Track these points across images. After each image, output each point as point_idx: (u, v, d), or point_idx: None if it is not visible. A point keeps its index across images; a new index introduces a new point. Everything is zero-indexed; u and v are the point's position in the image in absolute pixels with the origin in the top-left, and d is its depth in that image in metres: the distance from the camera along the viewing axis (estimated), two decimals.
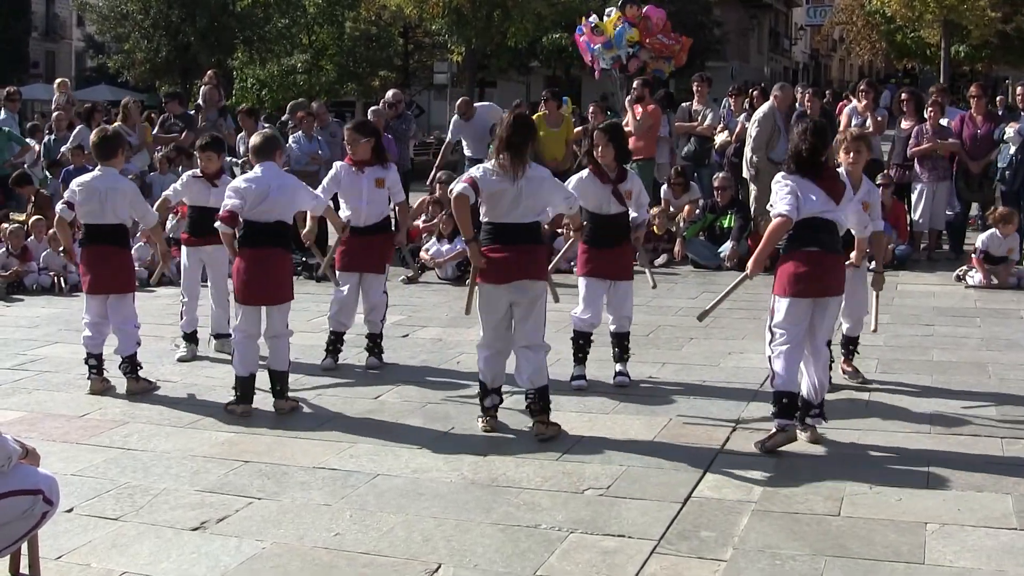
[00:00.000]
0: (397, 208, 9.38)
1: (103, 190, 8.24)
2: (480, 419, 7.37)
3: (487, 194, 7.09)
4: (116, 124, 15.78)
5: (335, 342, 9.21)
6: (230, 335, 9.73)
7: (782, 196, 6.71)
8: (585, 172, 8.35)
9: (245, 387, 7.83)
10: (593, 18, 21.66)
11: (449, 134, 17.52)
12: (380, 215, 9.18)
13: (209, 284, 9.68)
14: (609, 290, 8.46)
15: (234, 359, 7.92)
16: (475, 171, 7.21)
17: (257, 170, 7.93)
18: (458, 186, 7.14)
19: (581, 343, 8.52)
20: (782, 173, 6.84)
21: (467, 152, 16.87)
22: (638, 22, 20.85)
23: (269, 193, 7.81)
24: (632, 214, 8.41)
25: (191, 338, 9.63)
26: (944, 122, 14.62)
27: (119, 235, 8.41)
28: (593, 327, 8.52)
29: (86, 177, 8.41)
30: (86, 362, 8.43)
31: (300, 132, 15.60)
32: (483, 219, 7.26)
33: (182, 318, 9.64)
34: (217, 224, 7.86)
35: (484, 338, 7.34)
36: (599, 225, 8.28)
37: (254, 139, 8.20)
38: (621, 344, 8.59)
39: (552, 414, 7.18)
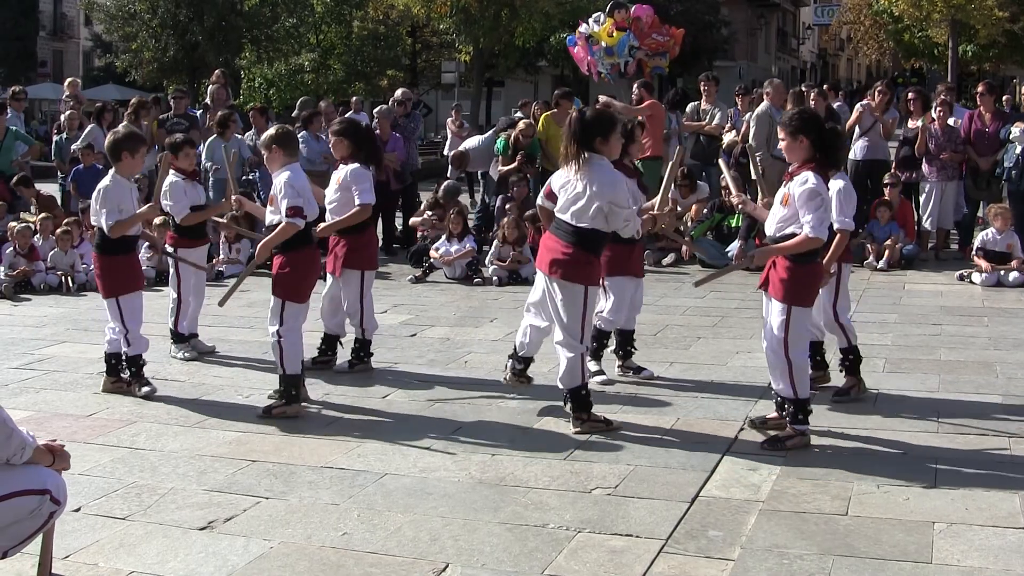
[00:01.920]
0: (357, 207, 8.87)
1: (97, 192, 8.17)
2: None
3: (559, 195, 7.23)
4: (123, 124, 15.82)
5: (322, 343, 9.16)
6: (196, 334, 9.71)
7: (823, 215, 6.62)
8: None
9: (299, 384, 7.82)
10: (584, 27, 21.70)
11: (449, 172, 17.72)
12: (338, 215, 8.86)
13: (193, 285, 9.64)
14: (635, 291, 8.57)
15: (285, 359, 7.74)
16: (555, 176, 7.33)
17: (295, 167, 7.96)
18: (539, 199, 7.55)
19: (604, 341, 8.58)
20: (819, 181, 6.65)
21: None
22: (629, 25, 20.92)
23: (312, 193, 8.01)
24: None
25: (184, 338, 9.59)
26: (952, 122, 14.61)
27: (120, 238, 8.22)
28: (620, 324, 8.57)
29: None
30: (108, 361, 8.40)
31: (307, 131, 15.59)
32: None
33: (180, 321, 9.55)
34: (294, 220, 7.71)
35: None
36: None
37: (275, 130, 8.11)
38: (630, 340, 8.62)
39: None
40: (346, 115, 15.03)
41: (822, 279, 7.07)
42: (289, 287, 7.83)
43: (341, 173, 8.80)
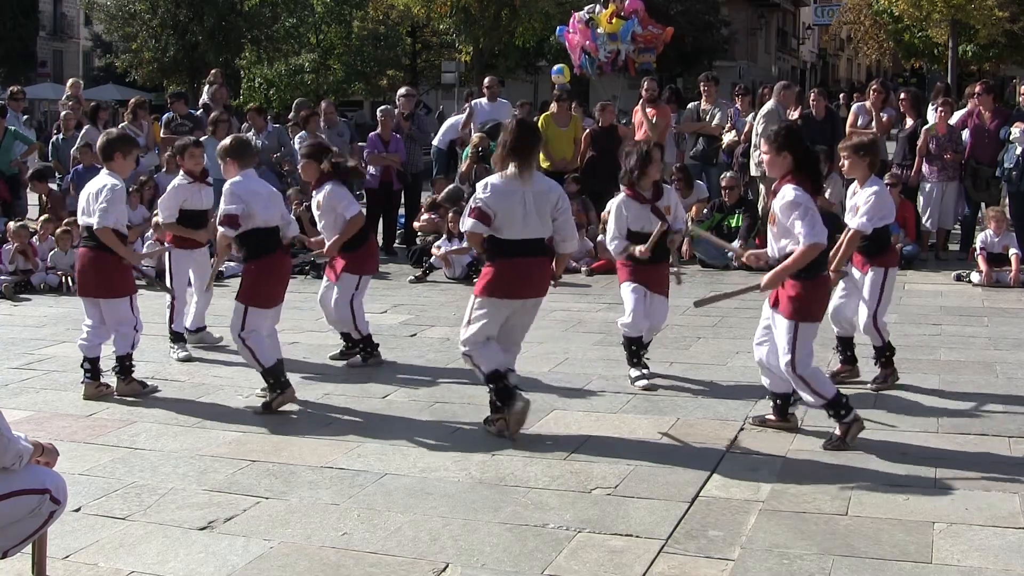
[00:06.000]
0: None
1: (88, 192, 8.15)
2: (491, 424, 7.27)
3: (498, 214, 6.93)
4: (123, 124, 15.82)
5: (343, 339, 9.39)
6: (205, 327, 9.81)
7: (813, 219, 6.53)
8: (621, 196, 8.35)
9: (279, 373, 7.84)
10: (583, 12, 21.80)
11: (475, 123, 16.96)
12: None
13: (195, 284, 9.68)
14: (646, 300, 8.45)
15: (257, 356, 7.77)
16: (480, 195, 6.98)
17: (249, 173, 8.04)
18: (467, 222, 7.02)
19: (634, 348, 8.48)
20: (797, 192, 6.58)
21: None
22: (624, 14, 21.11)
23: (270, 199, 8.05)
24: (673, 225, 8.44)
25: (181, 338, 9.62)
26: (953, 122, 14.60)
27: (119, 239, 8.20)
28: (641, 331, 8.43)
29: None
30: (81, 366, 8.33)
31: (304, 132, 15.57)
32: (495, 236, 7.02)
33: (173, 320, 9.58)
34: (223, 229, 7.84)
35: (473, 336, 7.11)
36: (640, 243, 8.25)
37: (230, 140, 8.21)
38: (643, 348, 8.61)
39: (511, 412, 7.09)
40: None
41: (830, 290, 7.08)
42: (252, 293, 7.89)
43: (318, 197, 8.79)
